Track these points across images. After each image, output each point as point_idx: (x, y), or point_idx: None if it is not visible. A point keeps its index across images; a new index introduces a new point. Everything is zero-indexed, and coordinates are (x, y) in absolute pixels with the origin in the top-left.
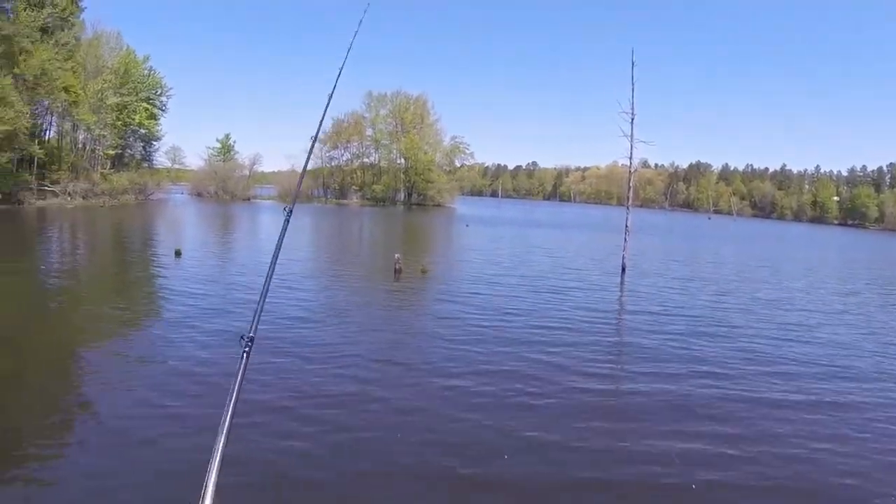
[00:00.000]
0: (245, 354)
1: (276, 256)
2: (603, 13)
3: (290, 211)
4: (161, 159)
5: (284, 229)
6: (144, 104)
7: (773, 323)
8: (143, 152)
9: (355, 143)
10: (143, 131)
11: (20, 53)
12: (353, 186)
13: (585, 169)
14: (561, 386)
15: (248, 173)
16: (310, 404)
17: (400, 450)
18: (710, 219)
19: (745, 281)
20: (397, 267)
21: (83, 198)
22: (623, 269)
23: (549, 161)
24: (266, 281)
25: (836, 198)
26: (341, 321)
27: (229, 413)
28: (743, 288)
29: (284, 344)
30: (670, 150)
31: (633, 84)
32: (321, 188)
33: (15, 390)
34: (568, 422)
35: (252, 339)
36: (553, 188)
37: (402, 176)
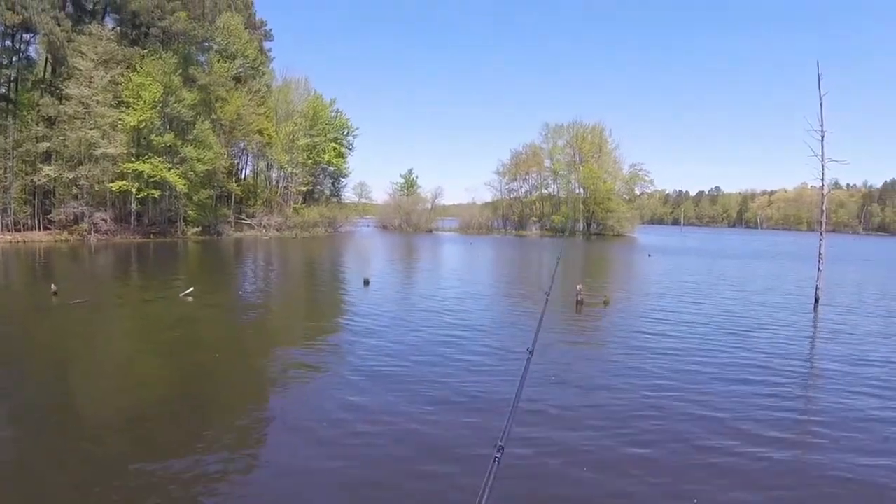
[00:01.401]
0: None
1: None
2: (780, 26)
3: (532, 350)
4: (349, 194)
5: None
6: (333, 144)
7: None
8: (332, 188)
9: (534, 174)
10: (331, 169)
11: (217, 101)
12: (533, 217)
13: (772, 192)
14: (739, 445)
15: (430, 206)
16: None
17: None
18: None
19: None
20: (579, 298)
21: (277, 230)
22: (816, 301)
23: (732, 185)
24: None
25: None
26: (519, 353)
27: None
28: None
29: (463, 376)
30: (862, 167)
31: (820, 99)
32: (501, 219)
33: (217, 391)
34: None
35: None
36: (738, 214)
37: (581, 206)
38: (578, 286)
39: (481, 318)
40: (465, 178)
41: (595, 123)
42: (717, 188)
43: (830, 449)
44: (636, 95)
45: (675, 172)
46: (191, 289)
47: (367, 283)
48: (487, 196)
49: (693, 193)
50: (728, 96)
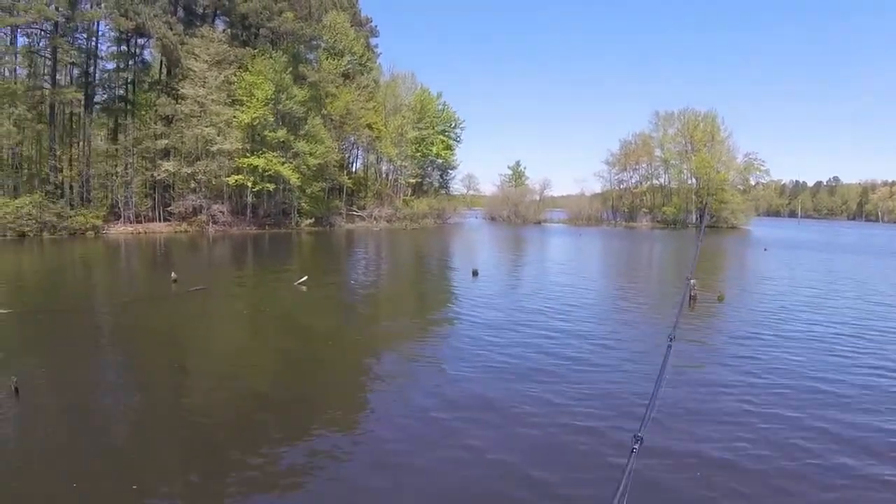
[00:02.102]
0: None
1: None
2: None
3: (672, 337)
4: (457, 186)
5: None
6: (440, 136)
7: None
8: (441, 180)
9: (644, 164)
10: (440, 161)
11: (326, 97)
12: (643, 209)
13: (894, 183)
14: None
15: (538, 198)
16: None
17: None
18: None
19: None
20: (692, 294)
21: (387, 221)
22: None
23: (852, 176)
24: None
25: None
26: (629, 349)
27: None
28: None
29: (568, 368)
30: None
31: None
32: (610, 211)
33: (326, 379)
34: None
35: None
36: (858, 206)
37: (692, 197)
38: (692, 281)
39: (590, 313)
40: (573, 169)
41: (707, 111)
42: (836, 178)
43: None
44: (750, 83)
45: (791, 162)
46: (304, 277)
47: (475, 273)
48: (597, 187)
49: (810, 184)
50: (848, 83)
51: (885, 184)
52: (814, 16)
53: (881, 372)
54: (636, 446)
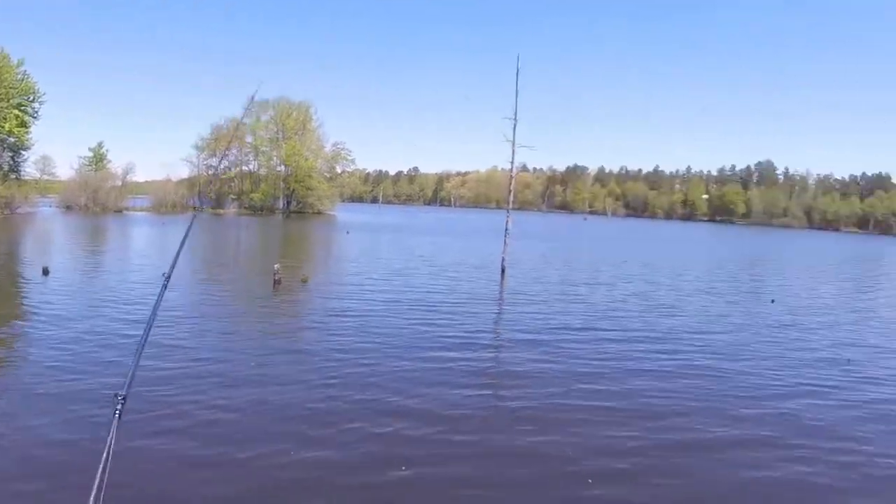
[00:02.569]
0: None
1: (152, 319)
2: (483, 17)
3: (168, 277)
4: (30, 170)
5: (159, 300)
6: (15, 111)
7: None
8: (12, 163)
9: (234, 150)
10: (12, 140)
11: None
12: (231, 195)
13: (465, 174)
14: (436, 389)
15: (120, 183)
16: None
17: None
18: (585, 219)
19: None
20: (276, 278)
21: None
22: (503, 271)
23: (429, 167)
24: (143, 337)
25: (705, 196)
26: (215, 334)
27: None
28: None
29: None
30: (548, 154)
31: (517, 90)
32: (196, 197)
33: None
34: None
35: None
36: (434, 193)
37: (281, 183)
38: (276, 265)
39: (174, 304)
40: (162, 153)
41: (301, 101)
42: (416, 168)
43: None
44: (343, 76)
45: (375, 152)
46: None
47: (46, 272)
48: (184, 172)
49: (392, 173)
50: (427, 83)
51: (457, 173)
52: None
53: (444, 333)
54: (119, 407)
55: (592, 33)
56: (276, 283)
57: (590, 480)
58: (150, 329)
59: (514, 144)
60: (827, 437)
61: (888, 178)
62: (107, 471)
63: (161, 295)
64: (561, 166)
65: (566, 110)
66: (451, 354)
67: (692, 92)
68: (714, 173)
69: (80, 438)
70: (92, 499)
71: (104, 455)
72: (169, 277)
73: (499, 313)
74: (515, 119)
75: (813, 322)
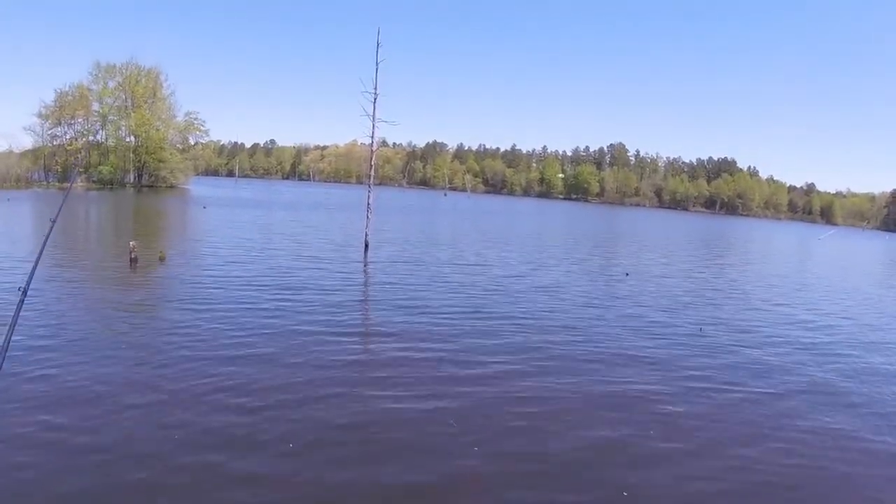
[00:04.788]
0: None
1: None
2: None
3: (25, 292)
4: None
5: (16, 317)
6: None
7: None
8: None
9: (80, 119)
10: None
11: None
12: (78, 168)
13: (324, 148)
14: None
15: None
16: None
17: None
18: (445, 195)
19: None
20: (133, 255)
21: None
22: (366, 247)
23: (287, 140)
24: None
25: (561, 175)
26: (67, 318)
27: None
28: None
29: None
30: (408, 130)
31: (377, 64)
32: (41, 171)
33: None
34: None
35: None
36: (292, 167)
37: (131, 155)
38: (132, 243)
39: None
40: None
41: (151, 67)
42: (273, 141)
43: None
44: (194, 43)
45: (230, 123)
46: None
47: None
48: (28, 143)
49: (248, 145)
50: (284, 50)
51: (316, 147)
52: None
53: (308, 307)
54: None
55: (452, 11)
56: (133, 261)
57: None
58: (7, 346)
59: (374, 119)
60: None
61: (733, 162)
62: None
63: (18, 311)
64: (421, 142)
65: (426, 86)
66: (314, 330)
67: (548, 74)
68: (569, 154)
69: None
70: None
71: None
72: (26, 292)
73: (364, 287)
74: (376, 93)
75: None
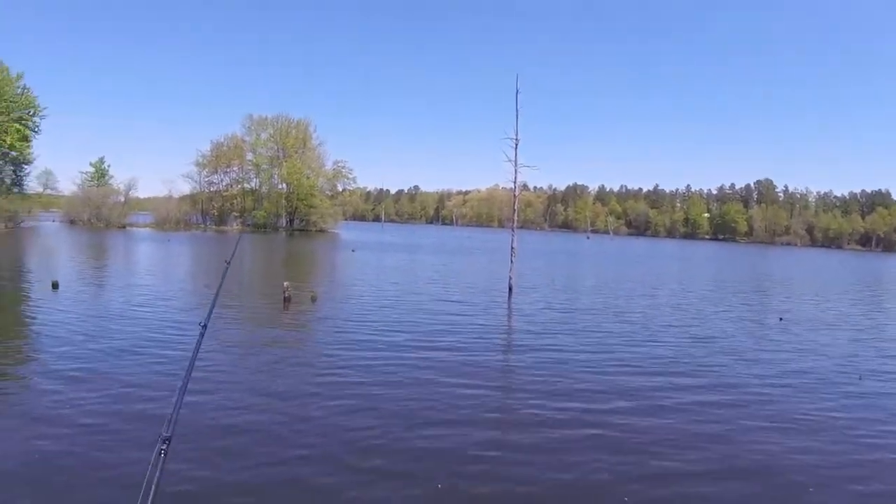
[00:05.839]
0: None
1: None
2: (482, 35)
3: (205, 326)
4: (32, 184)
5: (197, 347)
6: (16, 125)
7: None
8: (14, 176)
9: (236, 168)
10: (13, 154)
11: None
12: (234, 213)
13: (466, 192)
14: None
15: (123, 199)
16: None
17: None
18: (588, 238)
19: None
20: (286, 295)
21: None
22: (510, 291)
23: (430, 185)
24: (187, 373)
25: (706, 214)
26: (227, 353)
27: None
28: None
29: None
30: (549, 173)
31: (517, 110)
32: (199, 214)
33: None
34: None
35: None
36: (435, 212)
37: (283, 201)
38: (286, 283)
39: (177, 317)
40: (161, 170)
41: (300, 119)
42: (416, 187)
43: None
44: (341, 94)
45: (376, 171)
46: None
47: (55, 286)
48: (186, 189)
49: (393, 192)
50: (427, 102)
51: (458, 192)
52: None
53: (443, 347)
54: (164, 447)
55: (588, 51)
56: (286, 300)
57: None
58: (190, 373)
59: (515, 164)
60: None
61: (888, 194)
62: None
63: (199, 343)
64: (561, 185)
65: (565, 129)
66: (456, 382)
67: (688, 112)
68: (714, 192)
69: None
70: None
71: (150, 492)
72: (206, 326)
73: (508, 332)
74: (517, 139)
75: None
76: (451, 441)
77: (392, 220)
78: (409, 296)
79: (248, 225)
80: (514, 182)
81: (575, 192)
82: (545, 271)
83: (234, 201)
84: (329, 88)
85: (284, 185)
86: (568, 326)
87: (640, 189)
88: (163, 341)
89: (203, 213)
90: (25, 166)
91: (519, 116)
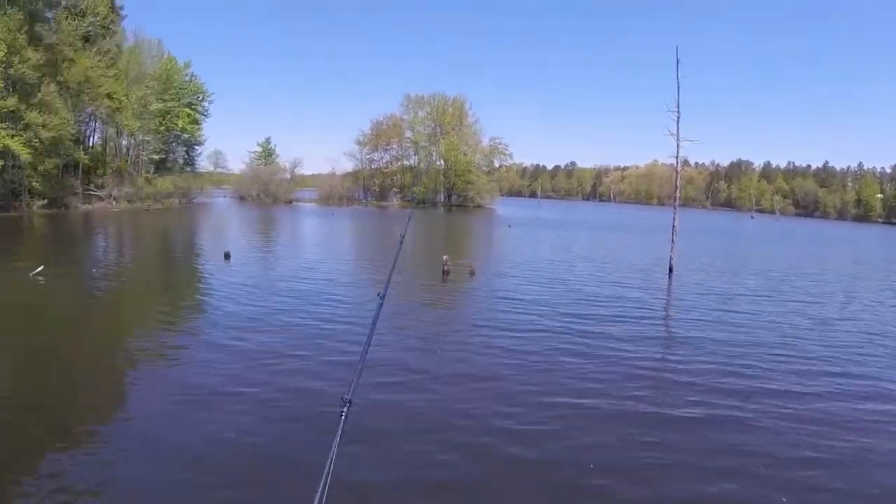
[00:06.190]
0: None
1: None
2: (641, 8)
3: (383, 297)
4: (204, 163)
5: (376, 317)
6: (187, 110)
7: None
8: (186, 157)
9: (395, 145)
10: (185, 136)
11: (63, 62)
12: (394, 188)
13: (625, 168)
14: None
15: (289, 176)
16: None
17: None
18: (752, 217)
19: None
20: (445, 269)
21: (128, 201)
22: (671, 271)
23: (587, 161)
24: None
25: (879, 195)
26: (387, 323)
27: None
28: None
29: (332, 348)
30: (711, 147)
31: (678, 82)
32: (361, 190)
33: (60, 383)
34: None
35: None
36: (592, 188)
37: (441, 177)
38: (445, 257)
39: (348, 293)
40: (324, 148)
41: (456, 96)
42: (573, 163)
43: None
44: (496, 70)
45: (532, 146)
46: (41, 267)
47: (227, 256)
48: (348, 166)
49: (549, 167)
50: (584, 75)
51: (616, 168)
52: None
53: (597, 328)
54: (344, 409)
55: (752, 24)
56: (445, 273)
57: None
58: (369, 342)
59: (678, 139)
60: None
61: None
62: (331, 467)
63: (377, 313)
64: (724, 161)
65: (730, 99)
66: (620, 349)
67: (860, 83)
68: (888, 170)
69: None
70: (319, 492)
71: (331, 452)
72: (384, 297)
73: (665, 314)
74: (678, 112)
75: None
76: (603, 434)
77: (548, 196)
78: (565, 274)
79: (408, 200)
80: (677, 157)
81: (738, 169)
82: (708, 251)
83: (394, 177)
84: (486, 61)
85: (442, 161)
86: (732, 315)
87: (809, 166)
88: (327, 313)
89: (364, 189)
90: (197, 147)
91: (681, 89)
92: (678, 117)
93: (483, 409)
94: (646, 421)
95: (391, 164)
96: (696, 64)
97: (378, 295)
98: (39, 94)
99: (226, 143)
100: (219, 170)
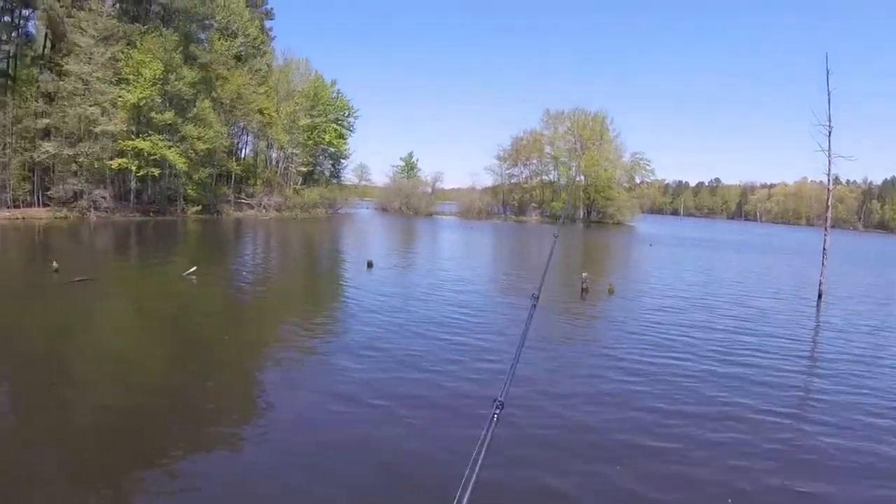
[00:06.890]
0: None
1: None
2: (789, 17)
3: (537, 298)
4: (349, 176)
5: (530, 318)
6: (333, 125)
7: None
8: (332, 169)
9: (534, 161)
10: (331, 150)
11: (217, 79)
12: (532, 203)
13: (771, 186)
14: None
15: (430, 190)
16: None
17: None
18: None
19: None
20: (584, 286)
21: (277, 210)
22: (819, 297)
23: (732, 177)
24: (518, 349)
25: None
26: (538, 343)
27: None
28: None
29: (479, 358)
30: (863, 164)
31: (828, 94)
32: (500, 205)
33: (220, 378)
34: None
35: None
36: (737, 206)
37: (581, 193)
38: (584, 274)
39: (484, 303)
40: (465, 163)
41: (597, 111)
42: (717, 180)
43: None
44: (637, 85)
45: (675, 162)
46: (194, 268)
47: (370, 265)
48: (488, 181)
49: (693, 184)
50: (729, 88)
51: (763, 186)
52: (697, 17)
53: (751, 357)
54: (497, 411)
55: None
56: (584, 290)
57: None
58: (522, 344)
59: (829, 155)
60: None
61: None
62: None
63: (531, 314)
64: (878, 178)
65: (882, 110)
66: (753, 393)
67: None
68: None
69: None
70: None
71: (482, 450)
72: (537, 298)
73: (813, 349)
74: (830, 126)
75: None
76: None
77: (690, 214)
78: (707, 298)
79: (547, 215)
80: (828, 174)
81: (893, 187)
82: (861, 277)
83: (533, 192)
84: (623, 78)
85: (582, 176)
86: (888, 350)
87: None
88: (463, 322)
89: (503, 204)
90: (343, 160)
91: (832, 101)
92: (830, 131)
93: (616, 427)
94: (780, 460)
95: (530, 178)
96: (842, 72)
97: (532, 296)
98: (195, 109)
99: (370, 158)
100: (363, 182)
